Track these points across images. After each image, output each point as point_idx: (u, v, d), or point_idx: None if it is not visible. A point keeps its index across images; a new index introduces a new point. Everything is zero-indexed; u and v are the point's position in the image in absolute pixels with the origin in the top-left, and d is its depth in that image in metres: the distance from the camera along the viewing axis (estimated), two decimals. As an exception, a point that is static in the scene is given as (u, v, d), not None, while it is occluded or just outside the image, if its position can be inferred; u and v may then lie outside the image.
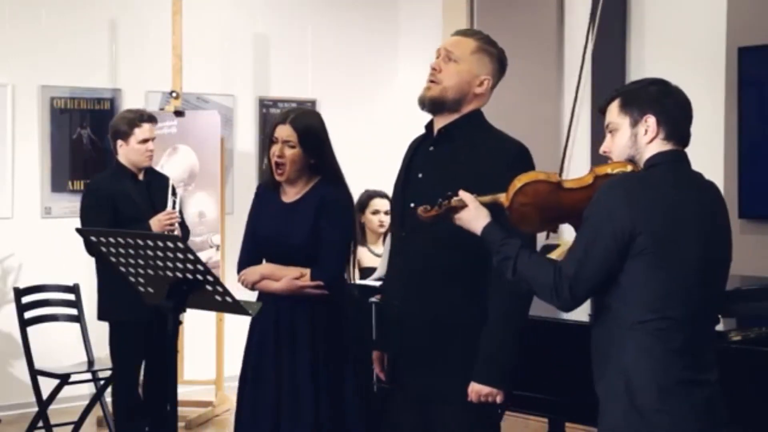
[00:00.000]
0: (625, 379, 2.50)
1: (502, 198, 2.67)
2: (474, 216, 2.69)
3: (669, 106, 2.58)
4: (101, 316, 5.05)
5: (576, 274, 2.49)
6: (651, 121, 2.56)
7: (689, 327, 2.50)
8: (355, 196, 6.12)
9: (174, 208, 5.03)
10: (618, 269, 2.48)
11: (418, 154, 3.26)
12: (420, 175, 3.20)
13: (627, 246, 2.46)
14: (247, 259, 3.78)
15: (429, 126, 3.25)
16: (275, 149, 3.69)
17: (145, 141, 5.00)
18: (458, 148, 3.15)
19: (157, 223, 4.92)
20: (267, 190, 3.83)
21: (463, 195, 2.72)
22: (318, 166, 3.74)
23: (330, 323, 3.68)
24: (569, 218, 2.71)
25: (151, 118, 5.11)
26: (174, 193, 5.07)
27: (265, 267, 3.72)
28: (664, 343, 2.47)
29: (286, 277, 3.63)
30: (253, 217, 3.87)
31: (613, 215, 2.46)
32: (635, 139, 2.58)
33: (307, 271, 3.64)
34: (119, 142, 5.03)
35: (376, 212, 5.81)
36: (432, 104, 3.18)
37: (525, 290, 2.78)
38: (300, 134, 3.68)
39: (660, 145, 2.57)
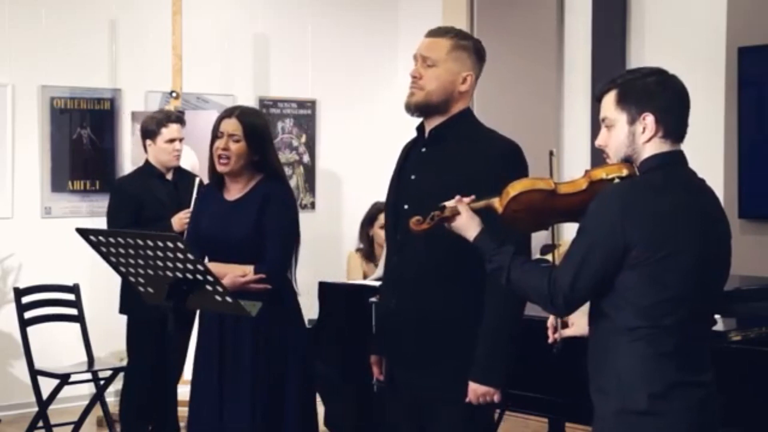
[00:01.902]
0: (617, 383, 2.49)
1: (496, 203, 2.65)
2: (466, 224, 2.68)
3: (667, 100, 2.53)
4: (122, 310, 5.11)
5: (571, 284, 2.48)
6: (649, 120, 2.51)
7: (683, 332, 2.48)
8: (354, 197, 6.17)
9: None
10: (613, 277, 2.47)
11: (410, 156, 3.26)
12: (413, 177, 3.20)
13: (622, 258, 2.44)
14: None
15: (420, 128, 3.25)
16: (220, 143, 3.73)
17: (171, 141, 5.12)
18: (450, 148, 3.15)
19: (177, 220, 4.99)
20: (209, 191, 3.87)
21: (459, 202, 2.70)
22: (261, 163, 3.76)
23: (273, 323, 3.69)
24: (562, 219, 2.71)
25: (178, 119, 5.24)
26: (199, 192, 5.13)
27: (209, 266, 3.69)
28: (656, 347, 2.46)
29: (229, 274, 3.63)
30: (194, 216, 3.91)
31: (608, 229, 2.44)
32: (633, 138, 2.54)
33: (250, 269, 3.65)
34: (148, 142, 5.16)
35: (384, 227, 5.65)
36: (418, 110, 3.17)
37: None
38: (246, 128, 3.72)
39: (658, 145, 2.53)
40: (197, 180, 5.18)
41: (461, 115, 3.18)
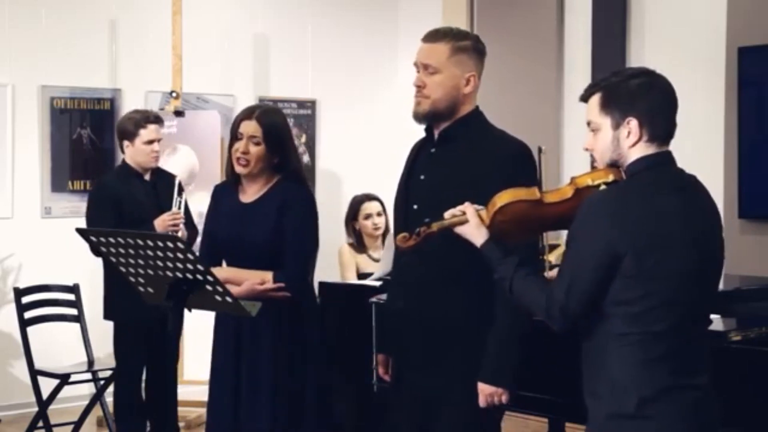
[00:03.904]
0: (610, 387, 2.49)
1: (483, 215, 2.64)
2: (474, 232, 2.66)
3: (651, 102, 2.50)
4: (107, 316, 5.06)
5: (566, 298, 2.47)
6: (633, 124, 2.49)
7: (676, 335, 2.47)
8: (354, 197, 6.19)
9: (179, 208, 5.02)
10: (607, 285, 2.45)
11: (420, 156, 3.26)
12: (422, 177, 3.20)
13: (613, 267, 2.43)
14: (206, 263, 3.58)
15: (429, 129, 3.24)
16: (239, 145, 3.63)
17: (150, 142, 5.00)
18: (459, 149, 3.14)
19: (161, 223, 4.91)
20: (224, 191, 3.79)
21: (468, 209, 2.68)
22: (280, 164, 3.68)
23: (292, 326, 3.66)
24: (551, 228, 2.70)
25: (157, 119, 5.11)
26: (180, 193, 5.06)
27: (227, 271, 3.66)
28: (646, 353, 2.45)
29: (247, 281, 3.58)
30: (210, 218, 3.82)
31: (597, 239, 2.43)
32: (618, 143, 2.52)
33: (269, 276, 3.59)
34: (125, 143, 5.04)
35: (368, 216, 5.79)
36: (426, 119, 3.17)
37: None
38: (265, 130, 3.62)
39: (643, 149, 2.51)
40: (177, 180, 5.10)
41: (470, 115, 3.18)
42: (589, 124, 2.59)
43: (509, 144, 3.14)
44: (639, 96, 2.50)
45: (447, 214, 2.71)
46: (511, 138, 3.17)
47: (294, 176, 3.71)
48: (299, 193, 3.69)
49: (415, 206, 3.16)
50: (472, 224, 2.66)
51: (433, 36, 3.17)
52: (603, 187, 2.53)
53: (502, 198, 2.61)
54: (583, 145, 2.64)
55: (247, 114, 3.68)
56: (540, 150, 2.71)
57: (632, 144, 2.51)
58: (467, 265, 3.04)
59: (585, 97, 2.59)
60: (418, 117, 3.17)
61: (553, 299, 2.49)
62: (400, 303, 3.25)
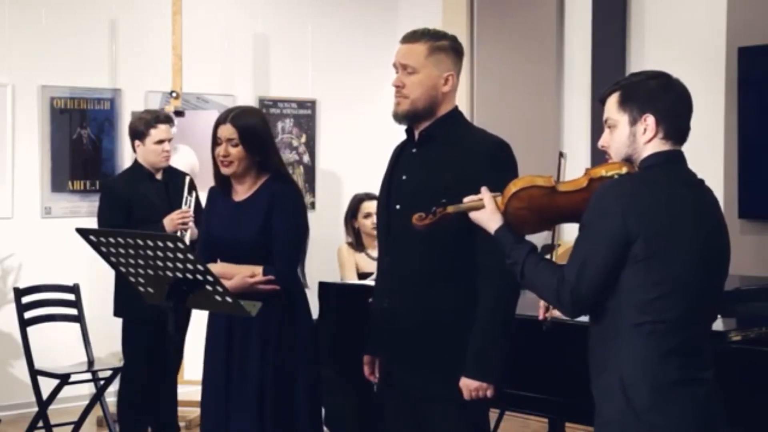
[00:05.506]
0: (620, 380, 2.51)
1: (498, 201, 2.68)
2: (490, 217, 2.70)
3: (669, 103, 2.57)
4: (117, 313, 5.08)
5: (577, 281, 2.51)
6: (650, 120, 2.56)
7: (686, 327, 2.51)
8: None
9: (189, 206, 5.05)
10: (619, 271, 2.49)
11: (401, 157, 3.29)
12: (404, 177, 3.23)
13: (625, 251, 2.47)
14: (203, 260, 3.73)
15: (410, 129, 3.27)
16: (220, 150, 3.75)
17: (161, 142, 5.04)
18: (439, 148, 3.17)
19: (170, 222, 4.94)
20: (218, 192, 3.87)
21: (485, 195, 2.72)
22: (263, 163, 3.76)
23: (282, 322, 3.70)
24: (565, 219, 2.72)
25: (167, 119, 5.15)
26: (191, 191, 5.08)
27: (218, 266, 3.72)
28: (659, 344, 2.48)
29: (238, 275, 3.64)
30: (206, 218, 3.91)
31: (609, 222, 2.47)
32: (634, 138, 2.58)
33: (259, 270, 3.66)
34: (136, 143, 5.08)
35: (368, 215, 5.76)
36: (406, 118, 3.20)
37: (513, 288, 2.93)
38: (241, 132, 3.71)
39: (658, 145, 2.57)
40: (188, 179, 5.12)
41: (449, 115, 3.21)
42: (606, 121, 2.64)
43: (488, 141, 3.17)
44: (657, 95, 2.57)
45: (466, 200, 2.75)
46: (490, 135, 3.21)
47: (278, 175, 3.78)
48: (284, 190, 3.76)
49: (398, 206, 3.19)
50: (487, 210, 2.70)
51: (411, 36, 3.21)
52: (616, 177, 2.58)
53: (517, 183, 2.66)
54: (599, 143, 2.69)
55: (222, 118, 3.78)
56: (561, 155, 2.75)
57: (648, 140, 2.57)
58: (453, 263, 3.07)
59: (603, 98, 2.65)
60: (398, 117, 3.21)
61: (564, 282, 2.53)
62: (385, 302, 3.26)
